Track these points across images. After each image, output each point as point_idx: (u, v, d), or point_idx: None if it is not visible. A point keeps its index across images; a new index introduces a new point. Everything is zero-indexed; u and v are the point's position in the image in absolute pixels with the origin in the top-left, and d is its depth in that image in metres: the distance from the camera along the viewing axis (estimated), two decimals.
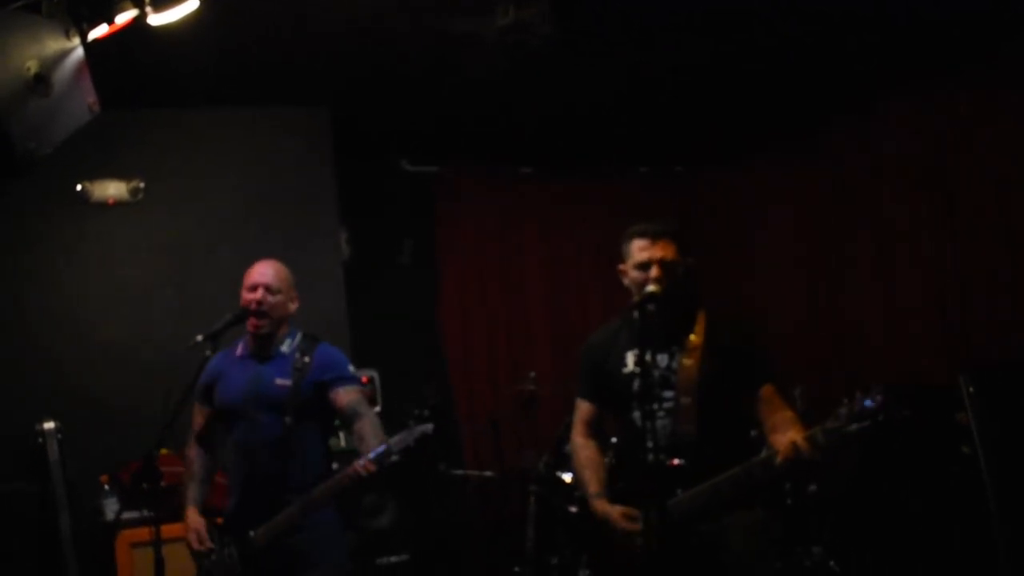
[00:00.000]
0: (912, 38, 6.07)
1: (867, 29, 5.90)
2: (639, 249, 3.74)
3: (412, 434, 4.05)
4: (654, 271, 3.68)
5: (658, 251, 3.71)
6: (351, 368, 4.45)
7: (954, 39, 6.09)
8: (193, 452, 4.48)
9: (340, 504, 4.29)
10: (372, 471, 4.00)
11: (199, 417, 4.47)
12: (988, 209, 6.41)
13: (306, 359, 4.30)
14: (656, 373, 3.72)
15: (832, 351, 7.57)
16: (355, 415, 4.28)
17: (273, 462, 4.18)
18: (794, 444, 3.38)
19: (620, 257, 3.86)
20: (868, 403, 3.27)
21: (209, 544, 4.20)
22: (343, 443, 5.76)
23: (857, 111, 7.28)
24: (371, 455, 4.01)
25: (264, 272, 4.34)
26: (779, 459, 3.42)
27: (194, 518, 4.29)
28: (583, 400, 4.05)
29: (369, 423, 4.28)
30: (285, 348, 4.35)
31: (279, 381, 4.26)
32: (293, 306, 4.40)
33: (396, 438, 4.06)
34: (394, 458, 4.00)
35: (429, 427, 4.08)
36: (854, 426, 3.30)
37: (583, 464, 3.97)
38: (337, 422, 4.49)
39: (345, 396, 4.30)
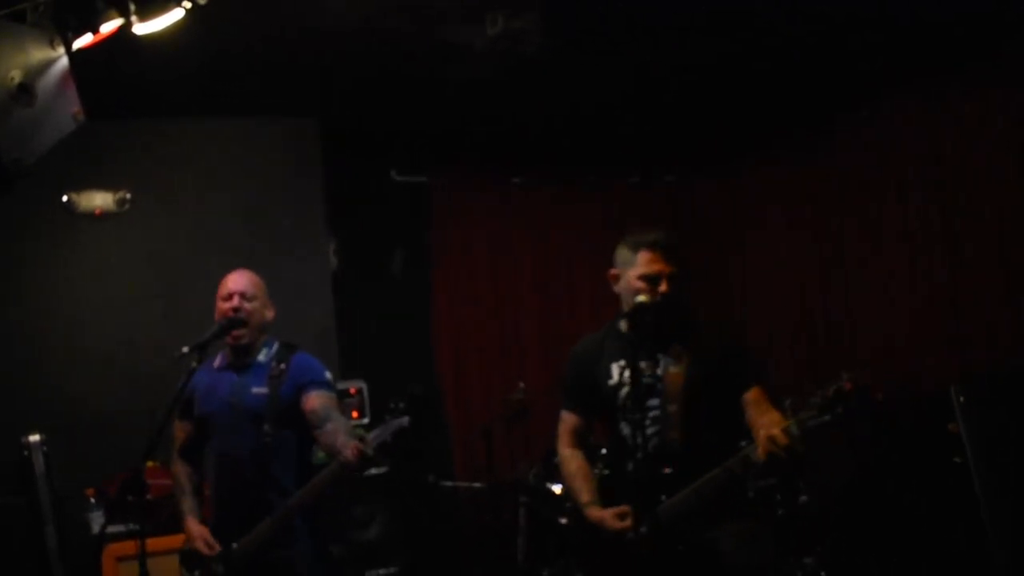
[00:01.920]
0: (916, 38, 6.06)
1: (870, 29, 5.89)
2: (649, 261, 3.70)
3: (388, 428, 3.95)
4: (664, 286, 3.66)
5: (669, 266, 3.69)
6: (328, 375, 4.41)
7: (957, 38, 6.07)
8: (179, 468, 4.46)
9: (325, 517, 4.26)
10: (363, 453, 3.88)
11: (180, 432, 4.45)
12: (983, 215, 6.38)
13: (282, 366, 4.28)
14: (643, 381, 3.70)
15: (826, 360, 7.54)
16: (327, 419, 4.21)
17: (253, 472, 4.15)
18: (771, 438, 3.36)
19: (611, 260, 3.84)
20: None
21: (218, 547, 4.15)
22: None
23: (852, 118, 7.25)
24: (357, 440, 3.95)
25: (237, 280, 4.34)
26: (759, 452, 3.41)
27: (196, 526, 4.26)
28: (568, 412, 4.03)
29: (343, 424, 4.24)
30: (262, 357, 4.33)
31: (255, 390, 4.25)
32: (270, 314, 4.40)
33: (372, 434, 3.97)
34: (371, 454, 3.91)
35: (405, 420, 3.97)
36: (826, 416, 3.31)
37: (573, 474, 3.95)
38: None
39: (317, 399, 4.25)
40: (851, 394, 3.28)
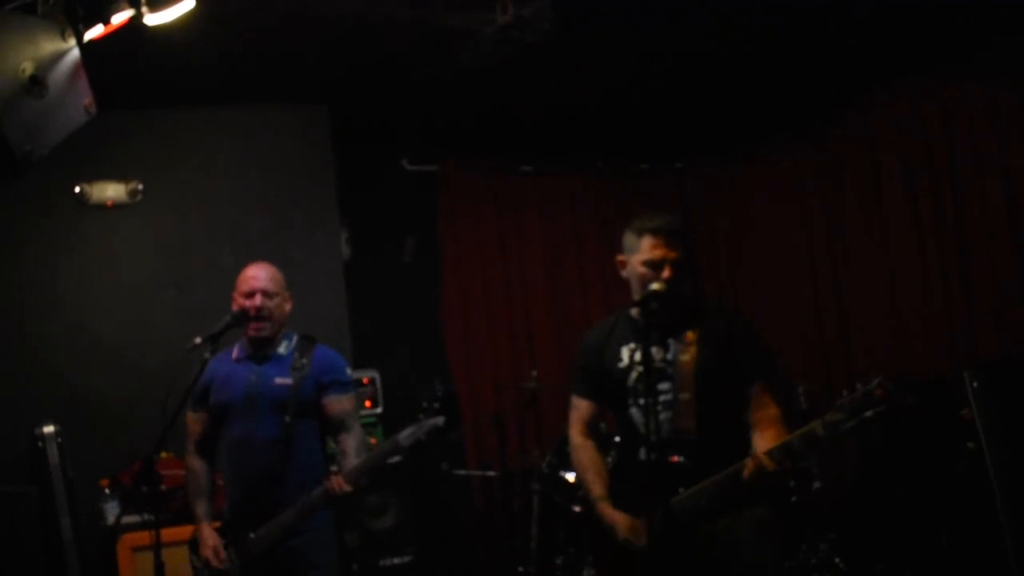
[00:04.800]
0: (915, 31, 6.06)
1: (870, 21, 5.88)
2: (652, 246, 3.69)
3: (422, 428, 4.06)
4: (667, 272, 3.65)
5: (672, 251, 3.68)
6: (348, 371, 4.47)
7: (957, 32, 6.07)
8: (196, 463, 4.44)
9: (339, 505, 4.29)
10: (347, 491, 4.07)
11: (196, 424, 4.44)
12: (991, 202, 6.38)
13: (304, 360, 4.31)
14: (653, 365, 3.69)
15: (834, 347, 7.54)
16: (343, 426, 4.34)
17: (272, 462, 4.17)
18: (759, 465, 3.40)
19: (621, 247, 3.83)
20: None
21: (224, 564, 4.18)
22: None
23: (860, 104, 7.24)
24: (353, 465, 4.15)
25: (259, 276, 4.34)
26: (745, 474, 3.43)
27: (210, 534, 4.27)
28: (581, 398, 4.00)
29: (354, 439, 4.32)
30: (282, 350, 4.36)
31: (279, 380, 4.26)
32: (288, 306, 4.43)
33: (406, 432, 4.09)
34: (342, 494, 4.04)
35: (440, 419, 4.07)
36: (854, 420, 3.29)
37: (585, 466, 3.93)
38: None
39: (337, 405, 4.34)
40: (881, 400, 3.26)
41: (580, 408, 4.01)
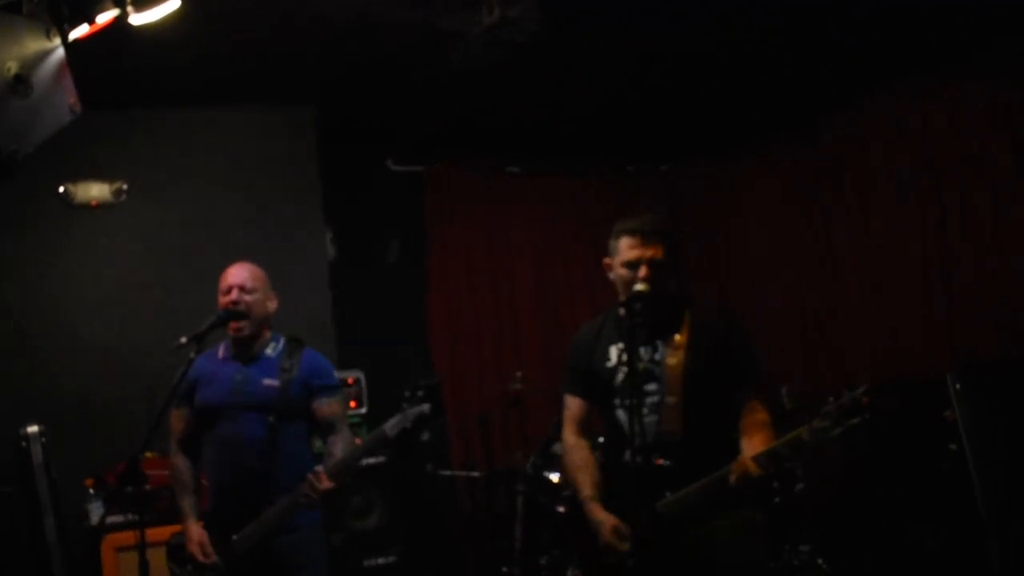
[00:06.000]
0: (915, 31, 6.06)
1: (870, 21, 5.89)
2: (628, 247, 3.70)
3: (408, 417, 4.06)
4: (643, 271, 3.65)
5: (648, 251, 3.68)
6: (336, 376, 4.49)
7: (957, 32, 6.08)
8: (180, 461, 4.42)
9: (325, 505, 4.28)
10: (328, 487, 4.04)
11: (180, 422, 4.42)
12: (979, 206, 6.40)
13: (292, 362, 4.30)
14: (639, 366, 3.69)
15: (829, 347, 7.55)
16: (332, 429, 4.35)
17: (257, 462, 4.16)
18: (745, 471, 3.41)
19: (606, 251, 3.84)
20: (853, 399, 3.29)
21: (213, 557, 4.16)
22: None
23: (849, 107, 7.26)
24: (335, 459, 4.13)
25: (237, 273, 4.34)
26: (732, 479, 3.43)
27: (196, 531, 4.24)
28: (572, 397, 4.00)
29: (343, 440, 4.31)
30: (270, 351, 4.35)
31: (266, 381, 4.26)
32: (272, 305, 4.40)
33: (391, 422, 4.08)
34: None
35: (426, 407, 4.06)
36: (839, 428, 3.30)
37: (577, 466, 3.91)
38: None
39: (327, 408, 4.35)
40: (867, 407, 3.27)
41: (572, 407, 3.99)
